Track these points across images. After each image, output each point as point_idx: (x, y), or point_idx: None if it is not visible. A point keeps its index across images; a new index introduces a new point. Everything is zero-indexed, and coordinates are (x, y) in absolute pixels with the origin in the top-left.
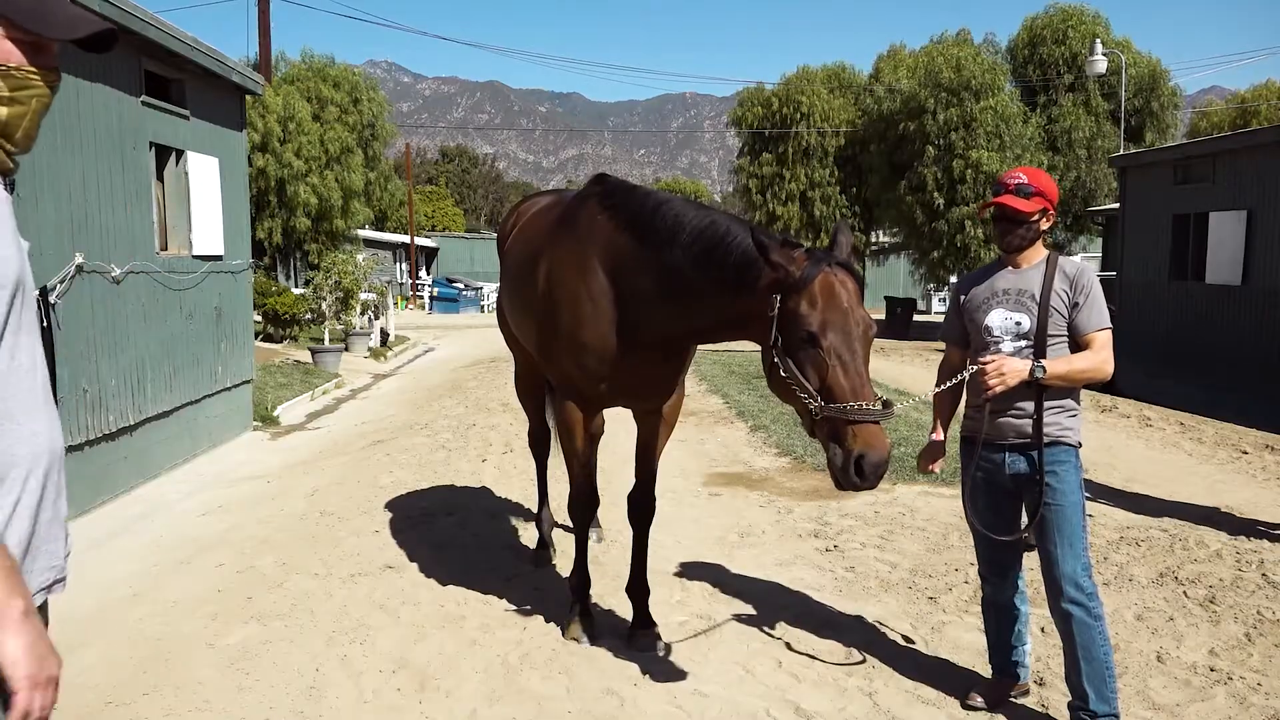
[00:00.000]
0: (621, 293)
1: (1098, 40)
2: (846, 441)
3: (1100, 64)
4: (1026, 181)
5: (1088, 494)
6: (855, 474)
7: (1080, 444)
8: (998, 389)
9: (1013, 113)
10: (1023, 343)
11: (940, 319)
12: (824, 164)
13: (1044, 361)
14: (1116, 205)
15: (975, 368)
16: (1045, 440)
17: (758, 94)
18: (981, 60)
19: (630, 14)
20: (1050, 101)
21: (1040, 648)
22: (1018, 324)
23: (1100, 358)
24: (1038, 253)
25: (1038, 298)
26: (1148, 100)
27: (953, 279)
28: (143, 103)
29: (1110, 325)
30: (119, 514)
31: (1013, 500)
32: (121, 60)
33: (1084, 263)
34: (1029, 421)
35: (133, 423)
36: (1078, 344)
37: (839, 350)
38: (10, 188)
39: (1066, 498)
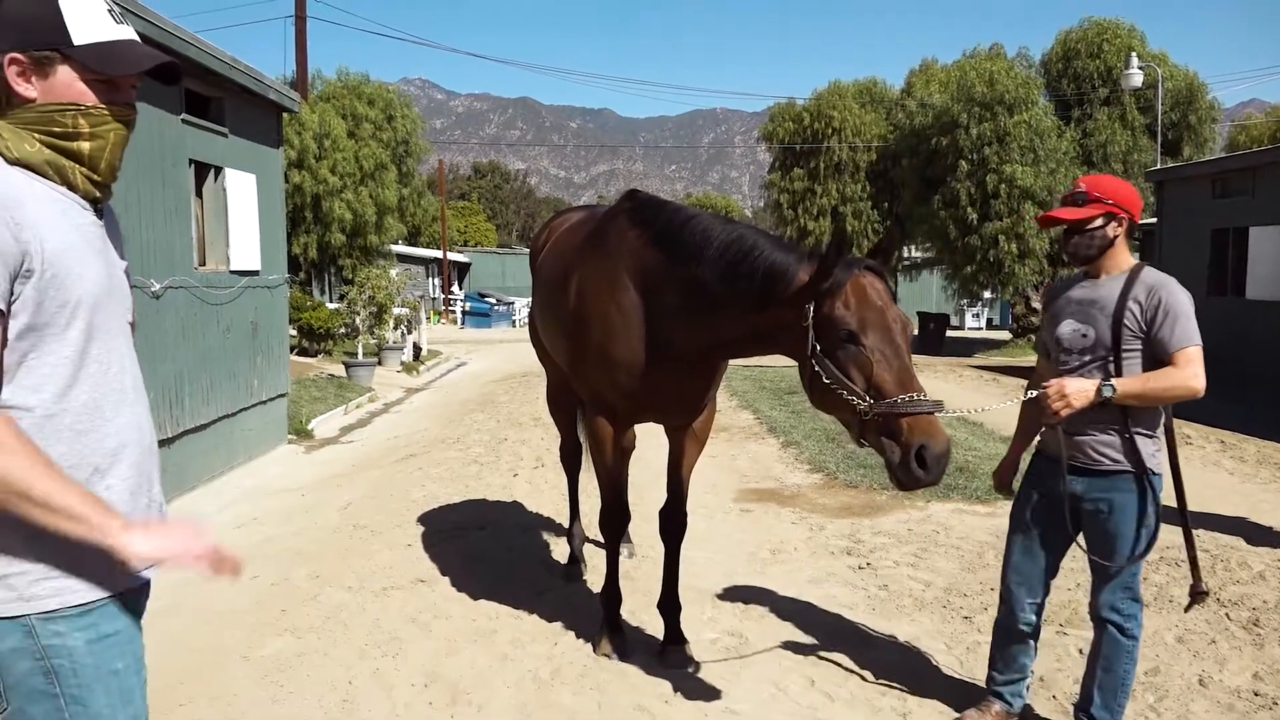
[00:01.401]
0: (651, 308)
1: (1133, 54)
2: (903, 436)
3: (1136, 77)
4: (1083, 190)
5: None
6: (918, 466)
7: (1155, 471)
8: (1063, 413)
9: (1047, 127)
10: (1087, 356)
11: (973, 334)
12: (855, 179)
13: (1114, 380)
14: (1153, 220)
15: (1035, 392)
16: (1113, 468)
17: (789, 109)
18: (1015, 74)
19: (662, 30)
20: (1085, 115)
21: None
22: (1084, 336)
23: (1185, 374)
24: (1118, 263)
25: (1107, 310)
26: (1185, 114)
27: (986, 294)
28: (183, 120)
29: (1199, 342)
30: None
31: (1062, 520)
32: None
33: (1168, 276)
34: (1092, 441)
35: (170, 435)
36: (1160, 361)
37: (880, 346)
38: (100, 214)
39: (1121, 527)
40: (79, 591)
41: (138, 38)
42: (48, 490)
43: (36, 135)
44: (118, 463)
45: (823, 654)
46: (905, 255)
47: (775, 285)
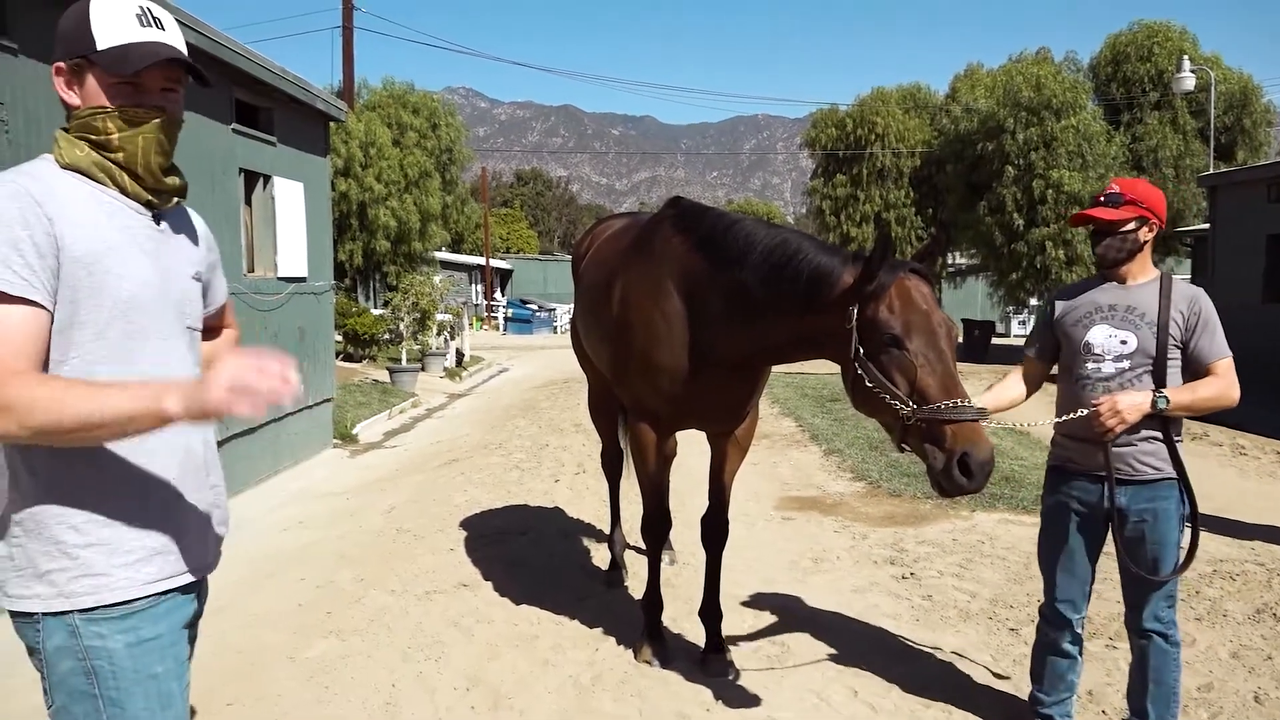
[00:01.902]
0: (695, 313)
1: (1185, 57)
2: (946, 442)
3: (1187, 81)
4: (1118, 191)
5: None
6: (961, 474)
7: (1184, 476)
8: (1118, 429)
9: (1096, 131)
10: (1125, 363)
11: (1019, 342)
12: (899, 185)
13: (1166, 391)
14: (1206, 225)
15: (1084, 411)
16: (1155, 476)
17: (831, 115)
18: (1063, 78)
19: (703, 37)
20: (1135, 120)
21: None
22: (1123, 342)
23: (1226, 383)
24: (1145, 270)
25: (1150, 317)
26: (1239, 117)
27: (1033, 301)
28: (233, 130)
29: (1230, 353)
30: None
31: (1101, 533)
32: (214, 91)
33: (1198, 288)
34: (1135, 452)
35: (220, 439)
36: (1196, 373)
37: (925, 351)
38: (158, 220)
39: (1166, 535)
40: (116, 590)
41: (166, 39)
42: (95, 409)
43: (83, 140)
44: (168, 463)
45: (866, 664)
46: (950, 261)
47: (819, 288)
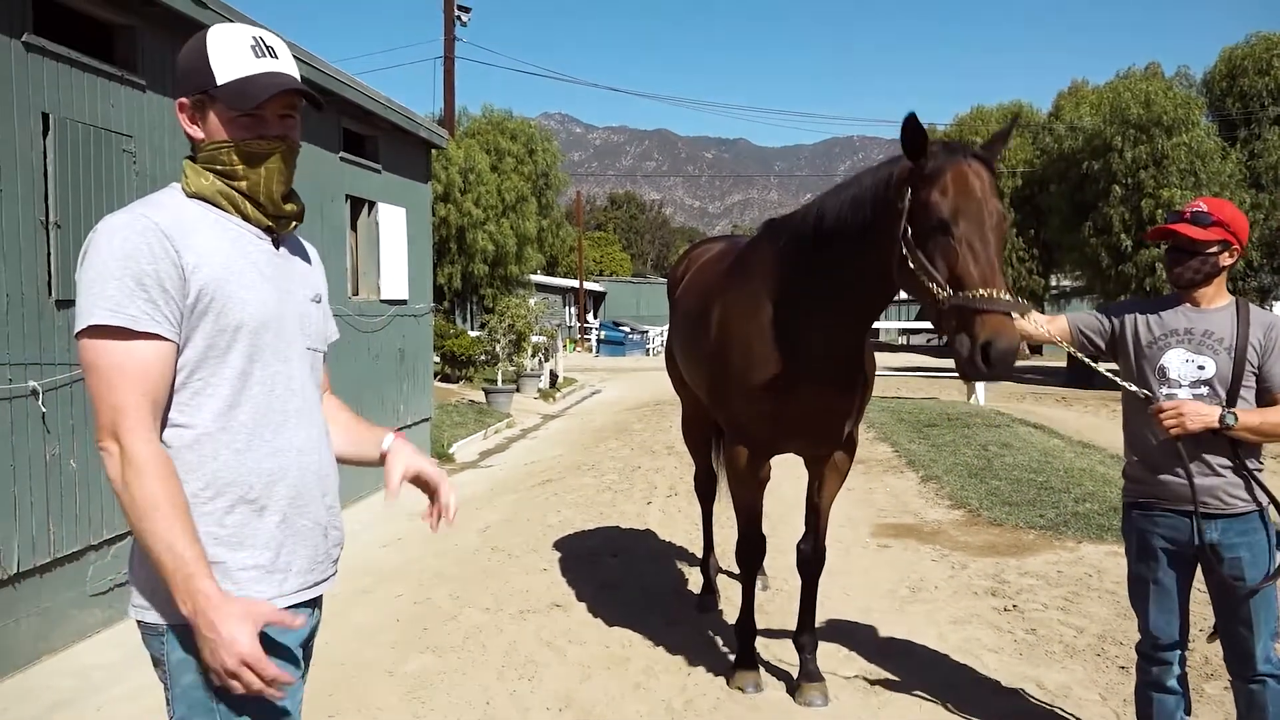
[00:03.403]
0: (790, 318)
1: None
2: (974, 330)
3: None
4: (1205, 210)
5: None
6: (982, 361)
7: (1273, 502)
8: (1175, 431)
9: (1209, 148)
10: (1204, 389)
11: None
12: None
13: (1235, 409)
14: None
15: (1146, 393)
16: (1245, 509)
17: (930, 135)
18: (1173, 94)
19: (798, 60)
20: (1253, 136)
21: None
22: (1200, 368)
23: None
24: (1221, 294)
25: (1228, 342)
26: None
27: None
28: (340, 158)
29: None
30: None
31: (1191, 566)
32: (323, 120)
33: (1276, 314)
34: (1223, 484)
35: None
36: (1267, 400)
37: (970, 238)
38: (277, 244)
39: (1259, 566)
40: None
41: (280, 67)
42: (160, 530)
43: (209, 171)
44: (273, 485)
45: (965, 698)
46: (1053, 284)
47: (883, 191)
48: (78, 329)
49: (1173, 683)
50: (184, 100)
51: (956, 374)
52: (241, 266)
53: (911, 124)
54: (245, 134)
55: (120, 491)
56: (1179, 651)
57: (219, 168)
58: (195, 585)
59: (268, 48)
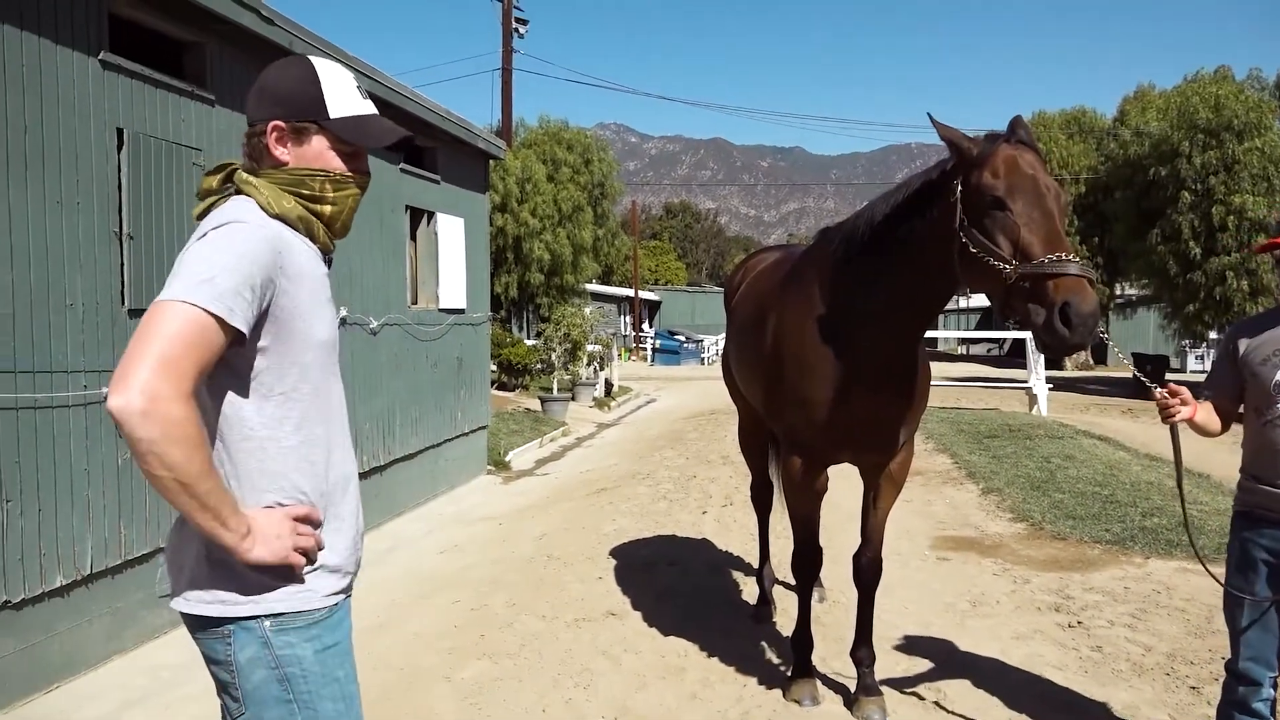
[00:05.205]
0: (845, 323)
1: None
2: (1049, 295)
3: None
4: None
5: None
6: (1061, 323)
7: None
8: (1176, 419)
9: None
10: None
11: (1196, 378)
12: (1063, 212)
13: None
14: None
15: (1149, 383)
16: None
17: None
18: (1245, 98)
19: (854, 67)
20: None
21: None
22: None
23: None
24: None
25: None
26: None
27: (1212, 335)
28: (400, 170)
29: None
30: (370, 548)
31: None
32: None
33: None
34: None
35: (383, 463)
36: None
37: (1029, 211)
38: (329, 264)
39: None
40: (301, 597)
41: (376, 111)
42: (208, 489)
43: (291, 194)
44: (346, 491)
45: (1027, 716)
46: (1118, 293)
47: (933, 187)
48: (170, 296)
49: (1259, 706)
50: (280, 124)
51: (1041, 349)
52: (318, 288)
53: (940, 126)
54: (344, 166)
55: (139, 431)
56: (1272, 674)
57: (306, 192)
58: (241, 513)
59: (366, 91)
